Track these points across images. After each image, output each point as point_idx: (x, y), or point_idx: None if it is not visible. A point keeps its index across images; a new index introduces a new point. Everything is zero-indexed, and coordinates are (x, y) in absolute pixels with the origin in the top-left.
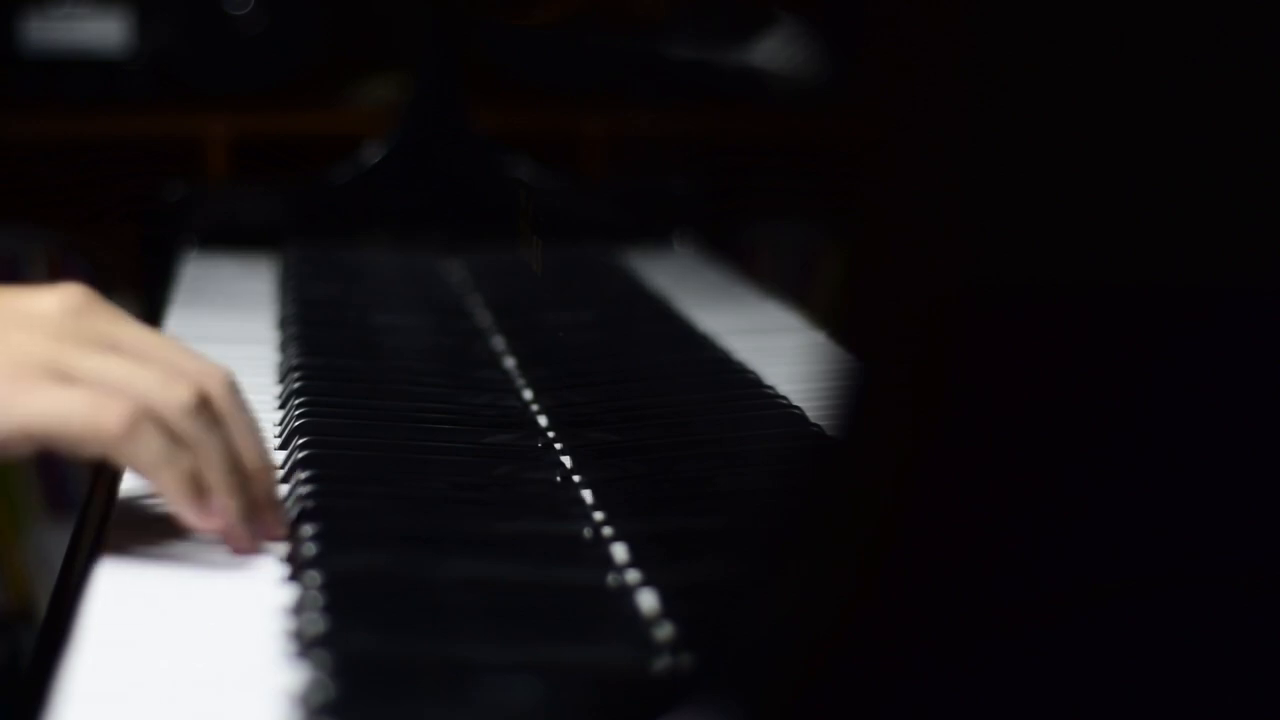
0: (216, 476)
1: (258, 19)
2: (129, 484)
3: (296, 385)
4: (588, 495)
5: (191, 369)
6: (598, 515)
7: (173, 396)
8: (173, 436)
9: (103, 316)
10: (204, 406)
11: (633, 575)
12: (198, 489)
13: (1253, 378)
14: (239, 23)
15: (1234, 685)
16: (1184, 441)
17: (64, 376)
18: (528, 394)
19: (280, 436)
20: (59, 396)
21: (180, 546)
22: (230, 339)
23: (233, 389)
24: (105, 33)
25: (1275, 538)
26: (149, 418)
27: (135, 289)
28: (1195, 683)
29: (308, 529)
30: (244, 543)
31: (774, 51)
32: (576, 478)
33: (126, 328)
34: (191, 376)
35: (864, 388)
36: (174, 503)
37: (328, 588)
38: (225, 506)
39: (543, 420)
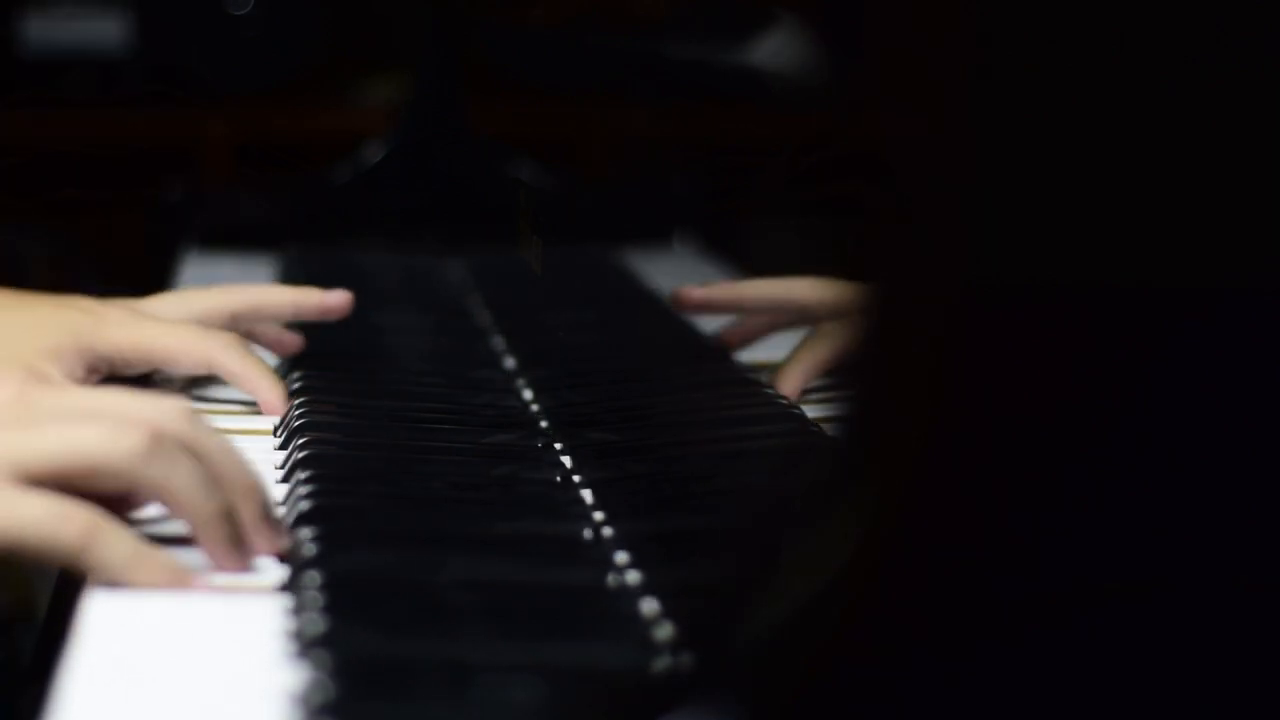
0: (193, 509)
1: (258, 19)
2: None
3: (296, 385)
4: (588, 495)
5: (144, 413)
6: (598, 515)
7: (124, 446)
8: (138, 487)
9: (42, 391)
10: (160, 445)
11: (633, 575)
12: (176, 573)
13: (1253, 378)
14: (239, 23)
15: (1234, 686)
16: (1185, 442)
17: (12, 470)
18: (528, 394)
19: (280, 436)
20: (16, 504)
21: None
22: None
23: (192, 420)
24: (105, 33)
25: (1275, 538)
26: (104, 525)
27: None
28: (1196, 683)
29: (308, 529)
30: (231, 564)
31: (774, 51)
32: (576, 478)
33: (68, 395)
34: (143, 420)
35: (864, 388)
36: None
37: (328, 588)
38: (209, 532)
39: (543, 420)
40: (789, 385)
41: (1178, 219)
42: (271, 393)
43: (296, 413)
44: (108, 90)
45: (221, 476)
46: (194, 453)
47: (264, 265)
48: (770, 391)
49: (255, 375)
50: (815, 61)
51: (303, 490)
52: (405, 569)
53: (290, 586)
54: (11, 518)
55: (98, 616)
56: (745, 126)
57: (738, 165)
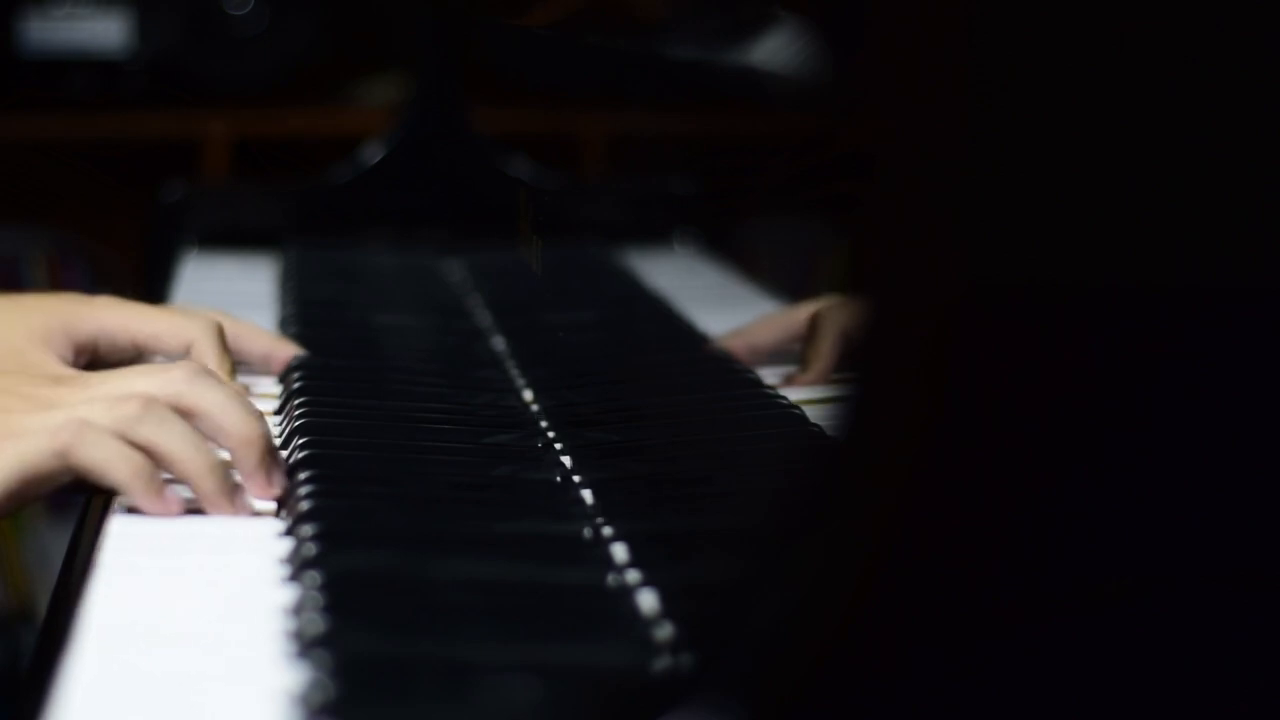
0: (182, 465)
1: (258, 19)
2: None
3: (296, 385)
4: (588, 495)
5: (138, 386)
6: (598, 515)
7: (117, 414)
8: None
9: (69, 389)
10: (149, 411)
11: (633, 575)
12: (153, 481)
13: (1253, 378)
14: (239, 23)
15: (1234, 685)
16: (1184, 441)
17: (19, 433)
18: (528, 394)
19: (280, 436)
20: (13, 447)
21: (180, 547)
22: None
23: (191, 382)
24: (105, 33)
25: (1275, 538)
26: (95, 428)
27: (135, 289)
28: (1195, 683)
29: (308, 529)
30: (223, 510)
31: (774, 51)
32: (576, 478)
33: (87, 389)
34: (136, 392)
35: (865, 387)
36: (133, 496)
37: (328, 588)
38: (199, 484)
39: (543, 420)
40: (812, 379)
41: (1178, 219)
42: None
43: (296, 413)
44: (108, 90)
45: (220, 430)
46: (192, 412)
47: (264, 265)
48: (770, 391)
49: (227, 366)
50: (815, 61)
51: (303, 490)
52: (405, 569)
53: (290, 585)
54: (15, 454)
55: (98, 617)
56: (745, 126)
57: (738, 165)
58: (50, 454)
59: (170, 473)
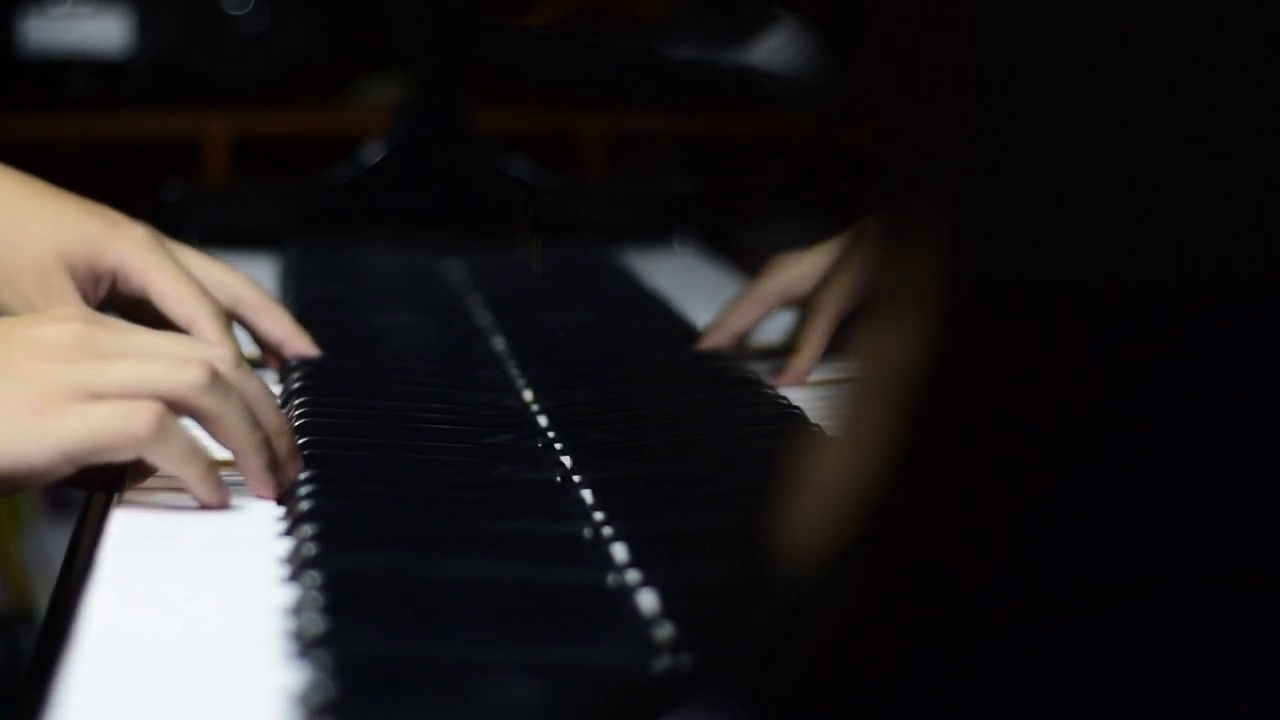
0: (240, 438)
1: (258, 19)
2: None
3: (296, 385)
4: (588, 495)
5: (200, 353)
6: (598, 515)
7: (186, 379)
8: (195, 414)
9: (104, 331)
10: (216, 380)
11: (633, 575)
12: (214, 479)
13: (1253, 378)
14: (239, 23)
15: (1234, 685)
16: (1185, 442)
17: (87, 394)
18: (528, 394)
19: None
20: (89, 414)
21: (180, 547)
22: None
23: (238, 363)
24: (105, 33)
25: (1275, 538)
26: (172, 417)
27: None
28: (1195, 683)
29: (308, 529)
30: (267, 490)
31: (774, 51)
32: (576, 478)
33: (128, 336)
34: (201, 359)
35: (865, 387)
36: (197, 491)
37: (328, 588)
38: (251, 459)
39: (543, 420)
40: (803, 364)
41: (1178, 219)
42: None
43: (296, 413)
44: (108, 90)
45: (258, 414)
46: (238, 391)
47: (264, 265)
48: (770, 390)
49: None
50: (815, 61)
51: (303, 490)
52: (405, 569)
53: (290, 585)
54: (89, 421)
55: (98, 617)
56: (745, 126)
57: (738, 165)
58: (126, 437)
59: (221, 442)
